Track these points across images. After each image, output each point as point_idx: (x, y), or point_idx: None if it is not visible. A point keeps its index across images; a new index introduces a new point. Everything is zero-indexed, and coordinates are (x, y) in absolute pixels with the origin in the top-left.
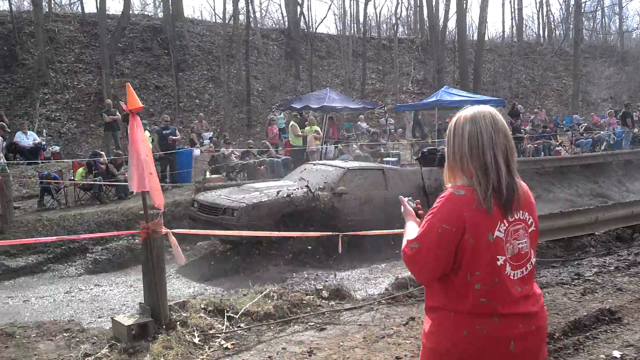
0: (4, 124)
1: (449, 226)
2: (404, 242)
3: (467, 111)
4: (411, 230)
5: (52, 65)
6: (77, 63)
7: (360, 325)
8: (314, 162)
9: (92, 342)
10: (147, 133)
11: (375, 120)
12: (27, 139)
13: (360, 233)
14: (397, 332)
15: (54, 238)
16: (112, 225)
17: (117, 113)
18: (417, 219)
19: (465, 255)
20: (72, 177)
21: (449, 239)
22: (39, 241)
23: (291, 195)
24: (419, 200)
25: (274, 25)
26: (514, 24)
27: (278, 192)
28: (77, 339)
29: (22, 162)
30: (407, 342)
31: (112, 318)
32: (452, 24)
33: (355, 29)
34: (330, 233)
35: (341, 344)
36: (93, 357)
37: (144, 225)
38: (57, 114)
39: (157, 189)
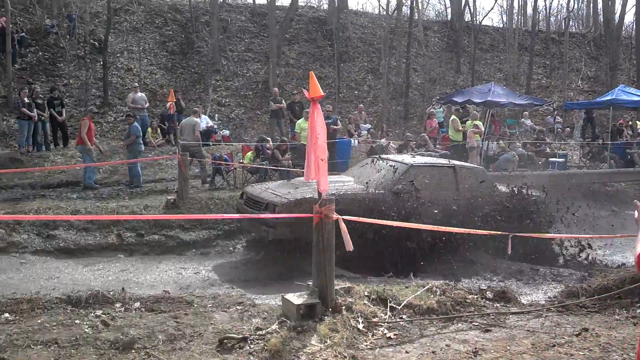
0: (197, 109)
1: None
2: (638, 249)
3: None
4: None
5: (224, 54)
6: (246, 52)
7: (528, 330)
8: (377, 155)
9: (263, 317)
10: None
11: (539, 117)
12: (201, 122)
13: (533, 235)
14: (568, 342)
15: (237, 216)
16: None
17: (283, 101)
18: None
19: None
20: (241, 160)
21: None
22: (228, 217)
23: (340, 193)
24: None
25: (435, 17)
26: None
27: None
28: (249, 313)
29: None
30: (580, 353)
31: (282, 296)
32: (629, 18)
33: (522, 21)
34: (499, 232)
35: (508, 347)
36: (264, 332)
37: (317, 209)
38: (227, 100)
39: (324, 175)
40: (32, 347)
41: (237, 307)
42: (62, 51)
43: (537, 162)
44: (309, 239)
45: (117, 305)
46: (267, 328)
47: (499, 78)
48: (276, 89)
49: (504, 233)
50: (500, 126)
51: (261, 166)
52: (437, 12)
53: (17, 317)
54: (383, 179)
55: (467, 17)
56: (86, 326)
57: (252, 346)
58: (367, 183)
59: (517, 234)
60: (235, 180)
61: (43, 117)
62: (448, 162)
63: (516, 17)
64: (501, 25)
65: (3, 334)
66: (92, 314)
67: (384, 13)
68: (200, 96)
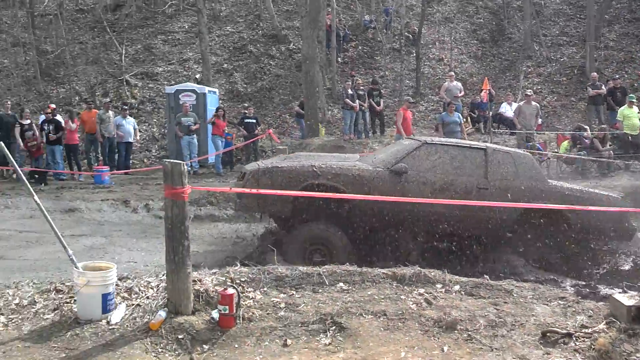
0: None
1: None
2: None
3: None
4: None
5: (536, 39)
6: (561, 36)
7: None
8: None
9: (588, 315)
10: None
11: None
12: (510, 109)
13: None
14: None
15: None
16: None
17: (602, 87)
18: None
19: None
20: (556, 150)
21: None
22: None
23: (322, 166)
24: None
25: None
26: None
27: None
28: (573, 309)
29: (505, 131)
30: None
31: (610, 295)
32: None
33: None
34: None
35: None
36: (590, 330)
37: None
38: (539, 87)
39: None
40: (364, 315)
41: (559, 301)
42: (379, 45)
43: None
44: (277, 212)
45: (438, 286)
46: (594, 327)
47: None
48: (595, 73)
49: None
50: None
51: (578, 156)
52: None
53: (350, 287)
54: (388, 156)
55: None
56: (410, 302)
57: (577, 343)
58: (370, 160)
59: None
60: (548, 171)
61: (363, 107)
62: (482, 145)
63: None
64: None
65: (339, 301)
66: (415, 292)
67: None
68: (510, 84)
